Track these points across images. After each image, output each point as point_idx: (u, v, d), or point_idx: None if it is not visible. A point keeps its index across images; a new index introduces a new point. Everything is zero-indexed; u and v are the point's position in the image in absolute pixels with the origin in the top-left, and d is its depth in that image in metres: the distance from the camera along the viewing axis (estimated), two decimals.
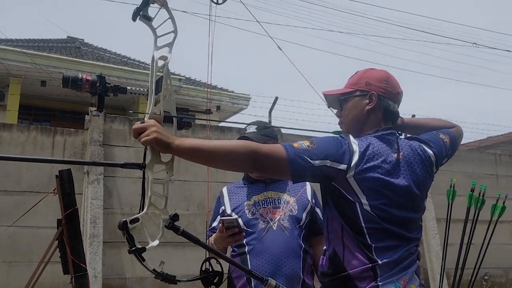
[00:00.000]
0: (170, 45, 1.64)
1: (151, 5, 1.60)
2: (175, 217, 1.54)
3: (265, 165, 1.54)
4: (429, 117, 2.71)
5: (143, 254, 1.50)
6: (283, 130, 5.04)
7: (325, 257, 1.69)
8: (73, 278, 2.26)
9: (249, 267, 2.12)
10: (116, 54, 13.40)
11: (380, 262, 1.53)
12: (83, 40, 13.85)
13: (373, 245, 1.54)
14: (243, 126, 2.50)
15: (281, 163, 1.51)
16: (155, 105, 1.58)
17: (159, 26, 1.63)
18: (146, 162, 1.55)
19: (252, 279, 2.12)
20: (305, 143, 1.55)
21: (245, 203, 2.30)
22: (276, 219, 2.23)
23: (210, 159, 1.56)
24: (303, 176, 1.56)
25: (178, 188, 5.79)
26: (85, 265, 2.29)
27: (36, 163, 5.27)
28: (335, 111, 1.84)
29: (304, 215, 2.28)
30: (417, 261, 1.65)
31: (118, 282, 5.49)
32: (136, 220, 1.50)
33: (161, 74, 1.60)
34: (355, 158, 1.53)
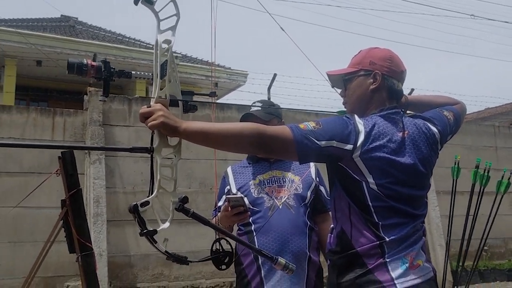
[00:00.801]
0: (173, 28, 1.64)
1: None
2: (184, 200, 1.56)
3: (271, 147, 1.55)
4: (431, 93, 2.72)
5: (154, 237, 1.53)
6: (282, 107, 5.05)
7: (332, 235, 1.72)
8: (80, 257, 2.30)
9: (256, 245, 2.16)
10: (111, 32, 13.27)
11: (387, 239, 1.56)
12: (77, 18, 13.68)
13: (380, 222, 1.57)
14: (242, 103, 2.49)
15: (287, 144, 1.52)
16: (160, 89, 1.58)
17: (161, 9, 1.62)
18: (154, 146, 1.57)
19: (259, 256, 2.15)
20: (311, 124, 1.56)
21: (251, 182, 2.33)
22: (282, 198, 2.26)
23: (217, 142, 1.57)
24: (310, 157, 1.58)
25: (179, 166, 5.80)
26: (91, 244, 2.33)
27: None
28: (339, 90, 1.85)
29: (308, 193, 2.31)
30: (423, 237, 1.67)
31: (123, 259, 5.58)
32: (146, 203, 1.53)
33: (166, 58, 1.60)
34: (361, 138, 1.55)
